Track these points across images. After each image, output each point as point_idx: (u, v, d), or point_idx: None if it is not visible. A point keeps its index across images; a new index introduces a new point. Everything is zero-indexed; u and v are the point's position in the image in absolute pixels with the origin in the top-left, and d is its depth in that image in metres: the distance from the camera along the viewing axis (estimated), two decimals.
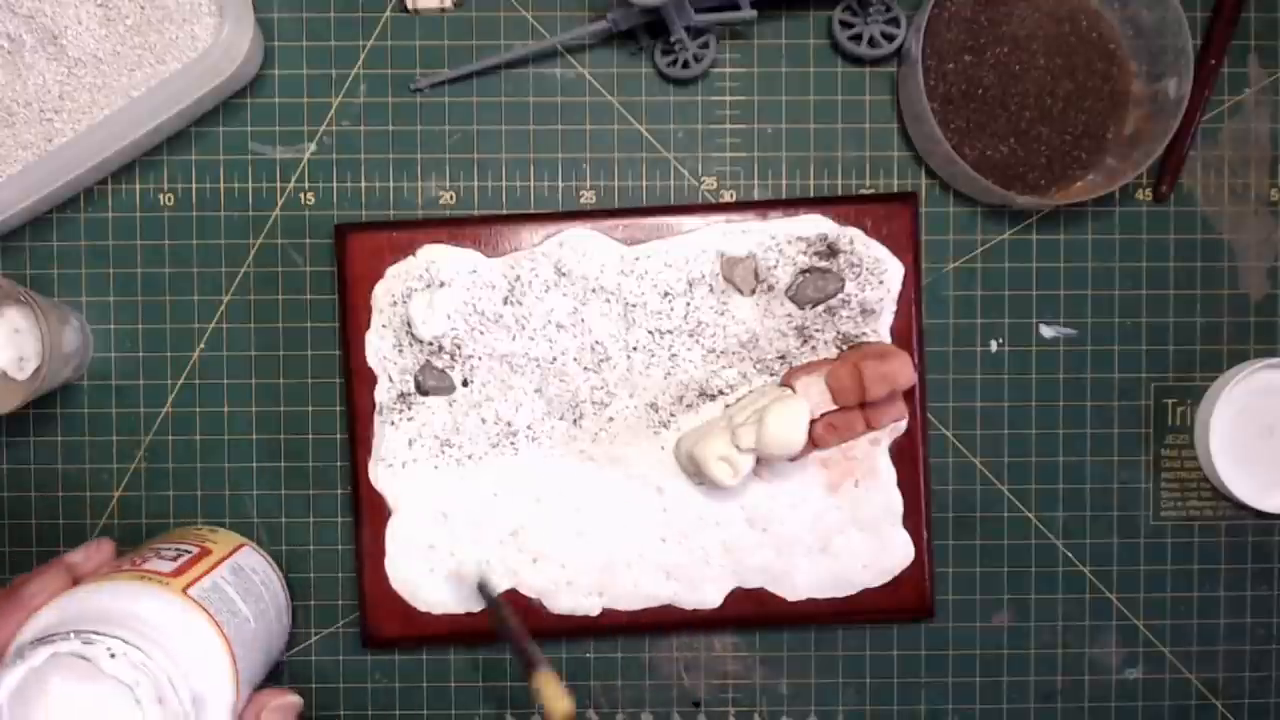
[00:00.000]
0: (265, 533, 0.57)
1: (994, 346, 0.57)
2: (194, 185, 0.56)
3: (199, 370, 0.57)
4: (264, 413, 0.57)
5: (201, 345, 0.57)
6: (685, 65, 0.56)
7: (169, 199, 0.57)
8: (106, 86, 0.53)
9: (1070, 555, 0.57)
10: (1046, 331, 0.57)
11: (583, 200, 0.57)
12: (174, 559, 0.48)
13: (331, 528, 0.57)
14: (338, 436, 0.57)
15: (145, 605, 0.44)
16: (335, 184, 0.57)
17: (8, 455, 0.57)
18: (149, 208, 0.56)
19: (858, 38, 0.55)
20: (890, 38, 0.55)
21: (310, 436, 0.57)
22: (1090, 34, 0.55)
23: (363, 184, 0.57)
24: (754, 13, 0.54)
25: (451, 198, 0.57)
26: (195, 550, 0.50)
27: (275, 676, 0.57)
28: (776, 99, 0.57)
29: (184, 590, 0.45)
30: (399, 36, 0.56)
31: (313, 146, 0.56)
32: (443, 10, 0.56)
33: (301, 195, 0.57)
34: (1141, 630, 0.57)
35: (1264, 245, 0.57)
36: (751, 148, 0.57)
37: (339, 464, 0.57)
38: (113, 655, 0.41)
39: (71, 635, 0.41)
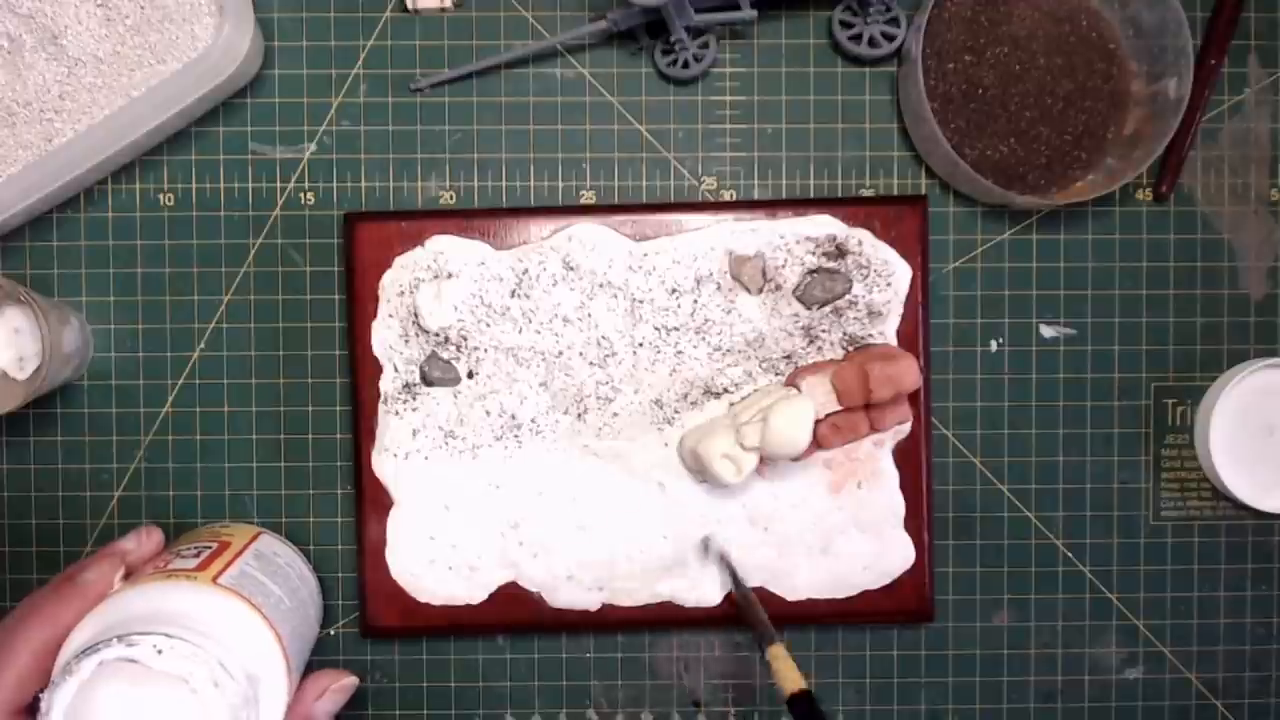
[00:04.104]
0: None
1: (994, 346, 0.57)
2: (194, 185, 0.56)
3: (199, 370, 0.57)
4: (264, 413, 0.57)
5: (201, 345, 0.57)
6: (685, 65, 0.56)
7: (169, 199, 0.57)
8: (106, 86, 0.53)
9: (1070, 555, 0.57)
10: (1046, 331, 0.57)
11: (583, 200, 0.57)
12: (196, 555, 0.48)
13: (331, 528, 0.57)
14: (338, 436, 0.57)
15: (178, 601, 0.44)
16: (335, 184, 0.57)
17: (8, 455, 0.57)
18: (149, 208, 0.56)
19: (858, 38, 0.55)
20: (890, 38, 0.55)
21: (310, 436, 0.57)
22: (1090, 34, 0.55)
23: (363, 184, 0.57)
24: (754, 13, 0.54)
25: (451, 197, 0.57)
26: (214, 545, 0.49)
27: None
28: (776, 99, 0.57)
29: (214, 580, 0.45)
30: (399, 36, 0.56)
31: (313, 146, 0.57)
32: (443, 10, 0.56)
33: (301, 195, 0.57)
34: (1141, 630, 0.57)
35: (1264, 245, 0.57)
36: (751, 148, 0.57)
37: (339, 464, 0.57)
38: (159, 651, 0.40)
39: (115, 640, 0.41)
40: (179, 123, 0.55)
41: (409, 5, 0.56)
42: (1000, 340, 0.57)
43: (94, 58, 0.52)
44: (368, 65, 0.56)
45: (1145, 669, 0.57)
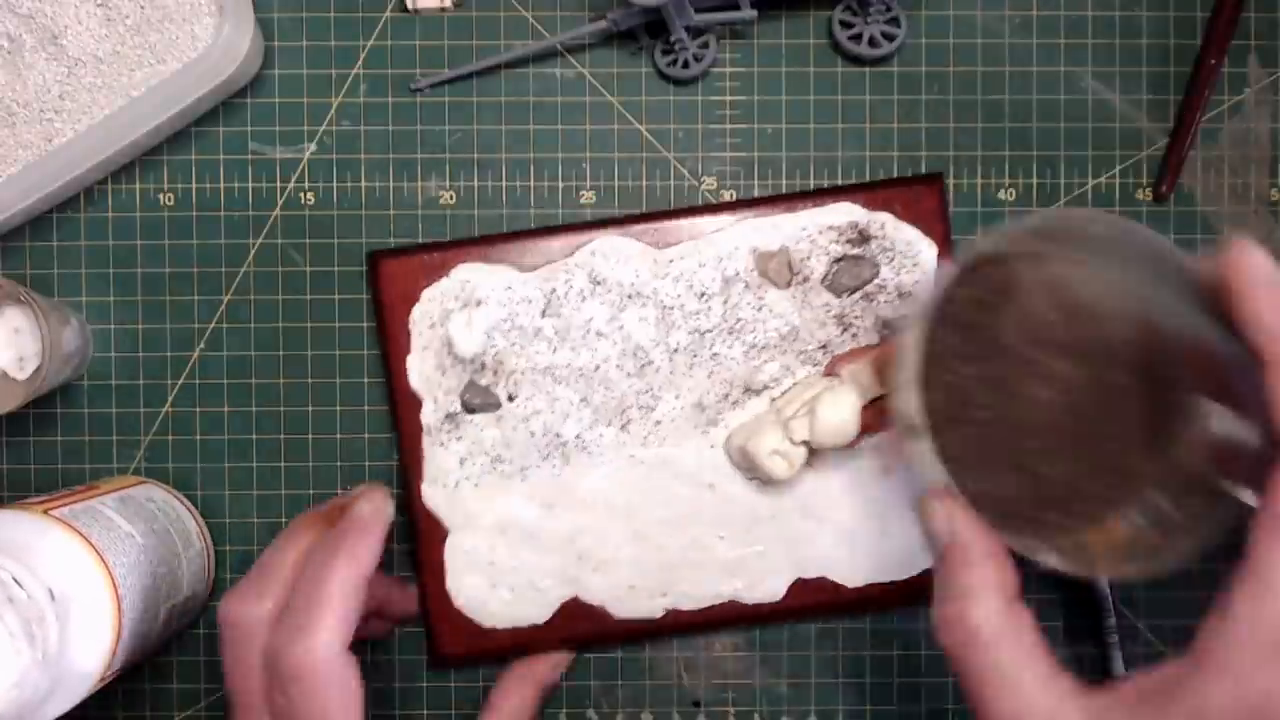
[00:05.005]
0: (266, 533, 0.57)
1: None
2: (194, 185, 0.57)
3: (199, 370, 0.57)
4: (264, 413, 0.57)
5: (201, 345, 0.57)
6: (685, 65, 0.56)
7: (169, 199, 0.57)
8: (106, 86, 0.53)
9: None
10: None
11: (583, 200, 0.57)
12: (48, 496, 0.49)
13: None
14: (338, 437, 0.57)
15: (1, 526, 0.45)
16: (335, 184, 0.57)
17: (8, 455, 0.57)
18: (149, 208, 0.57)
19: (858, 38, 0.55)
20: (890, 37, 0.55)
21: (310, 436, 0.57)
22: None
23: (363, 184, 0.57)
24: (754, 13, 0.54)
25: (451, 197, 0.57)
26: (78, 489, 0.51)
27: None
28: (776, 99, 0.57)
29: (44, 512, 0.46)
30: (399, 36, 0.56)
31: (313, 146, 0.57)
32: (443, 10, 0.56)
33: (301, 195, 0.57)
34: (1141, 630, 0.57)
35: (1264, 245, 0.57)
36: (751, 148, 0.57)
37: (339, 464, 0.57)
38: None
39: None
40: (179, 123, 0.55)
41: (409, 5, 0.56)
42: None
43: (94, 58, 0.52)
44: (368, 65, 0.56)
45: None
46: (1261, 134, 0.57)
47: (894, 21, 0.55)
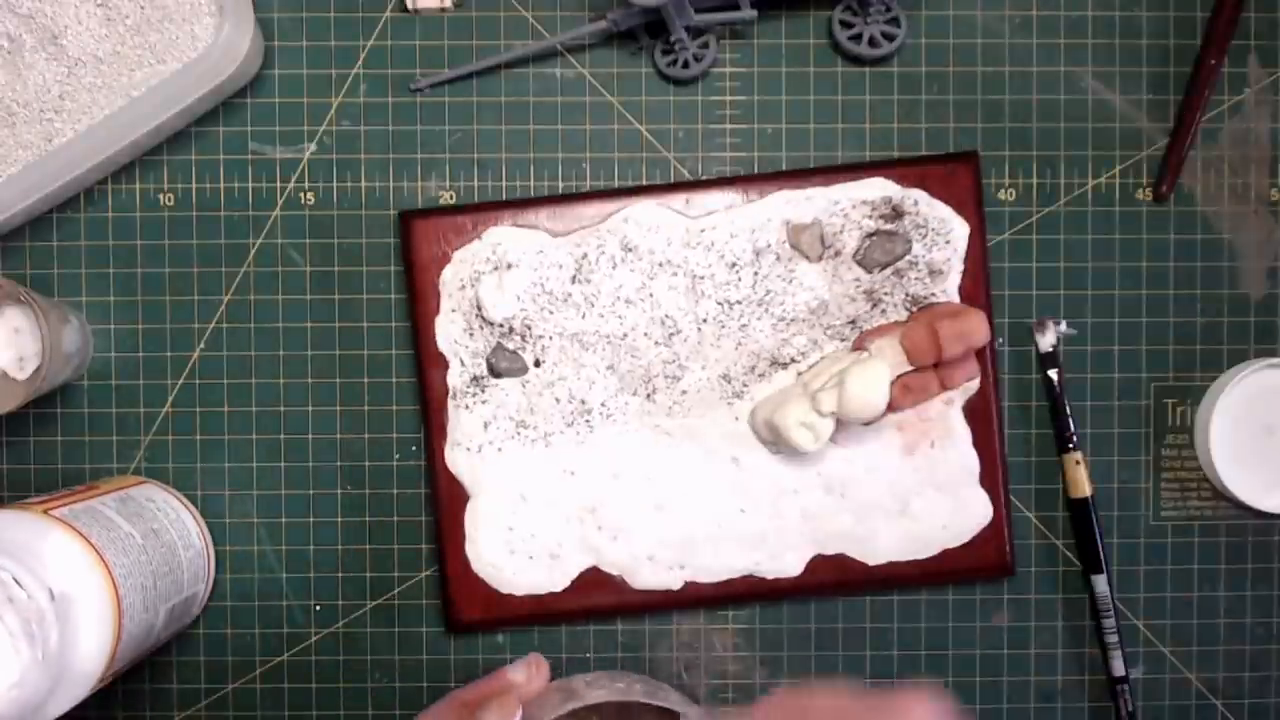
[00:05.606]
0: (265, 533, 0.57)
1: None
2: (194, 185, 0.57)
3: (199, 370, 0.57)
4: (264, 413, 0.57)
5: (201, 345, 0.57)
6: (685, 65, 0.56)
7: (169, 199, 0.57)
8: (106, 86, 0.53)
9: (1070, 555, 0.57)
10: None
11: None
12: (48, 496, 0.49)
13: (331, 527, 0.57)
14: (338, 437, 0.57)
15: (2, 526, 0.45)
16: (335, 184, 0.57)
17: (8, 455, 0.57)
18: (149, 208, 0.57)
19: (858, 38, 0.55)
20: (890, 37, 0.55)
21: (310, 436, 0.57)
22: None
23: (363, 184, 0.57)
24: (754, 13, 0.54)
25: (451, 198, 0.57)
26: (80, 488, 0.51)
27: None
28: (776, 99, 0.57)
29: (44, 512, 0.46)
30: (399, 36, 0.56)
31: (313, 146, 0.57)
32: (443, 10, 0.56)
33: (301, 195, 0.57)
34: (1141, 630, 0.57)
35: (1264, 245, 0.57)
36: (751, 148, 0.57)
37: (339, 464, 0.57)
38: None
39: None
40: (179, 123, 0.55)
41: (409, 5, 0.56)
42: (1000, 340, 0.57)
43: (94, 58, 0.52)
44: (368, 65, 0.56)
45: (1145, 669, 0.57)
46: (1261, 134, 0.57)
47: (894, 21, 0.55)
